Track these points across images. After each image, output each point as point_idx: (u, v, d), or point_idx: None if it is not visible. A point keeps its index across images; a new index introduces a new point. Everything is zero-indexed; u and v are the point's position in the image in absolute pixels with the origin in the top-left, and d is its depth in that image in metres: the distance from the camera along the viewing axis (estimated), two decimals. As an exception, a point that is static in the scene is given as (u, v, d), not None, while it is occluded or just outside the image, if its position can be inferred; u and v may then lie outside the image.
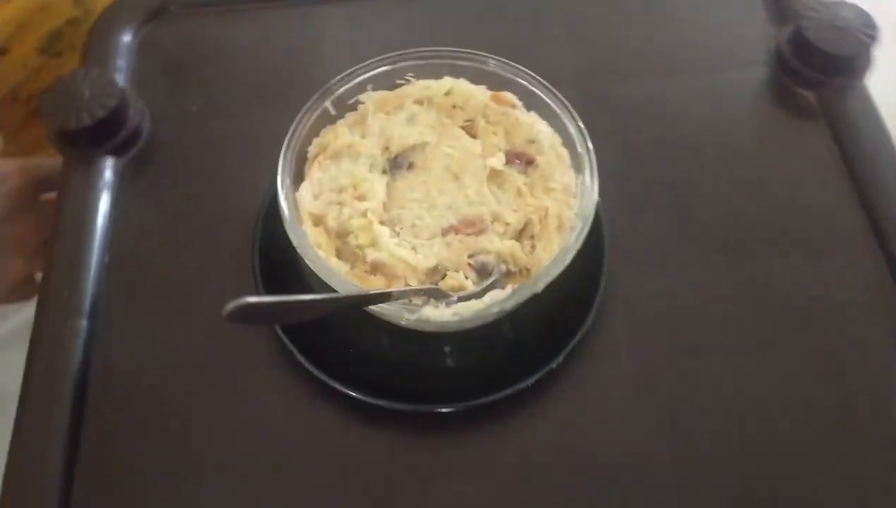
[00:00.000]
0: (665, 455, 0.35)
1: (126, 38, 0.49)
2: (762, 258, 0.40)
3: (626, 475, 0.35)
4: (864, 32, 0.44)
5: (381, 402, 0.34)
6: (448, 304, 0.31)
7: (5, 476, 0.35)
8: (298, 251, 0.32)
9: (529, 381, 0.35)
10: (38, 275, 0.47)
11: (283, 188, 0.34)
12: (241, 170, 0.44)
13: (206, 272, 0.41)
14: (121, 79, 0.47)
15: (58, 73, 0.55)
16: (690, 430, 0.36)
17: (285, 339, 0.36)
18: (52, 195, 0.46)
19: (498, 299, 0.31)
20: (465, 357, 0.37)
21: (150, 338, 0.39)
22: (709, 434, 0.36)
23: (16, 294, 0.48)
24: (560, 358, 0.35)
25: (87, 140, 0.43)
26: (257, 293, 0.37)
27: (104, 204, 0.43)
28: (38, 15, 0.52)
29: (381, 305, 0.31)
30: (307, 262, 0.32)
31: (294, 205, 0.34)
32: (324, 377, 0.35)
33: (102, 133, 0.43)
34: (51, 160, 0.47)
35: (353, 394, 0.35)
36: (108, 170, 0.44)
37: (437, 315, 0.31)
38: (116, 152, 0.44)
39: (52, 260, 0.41)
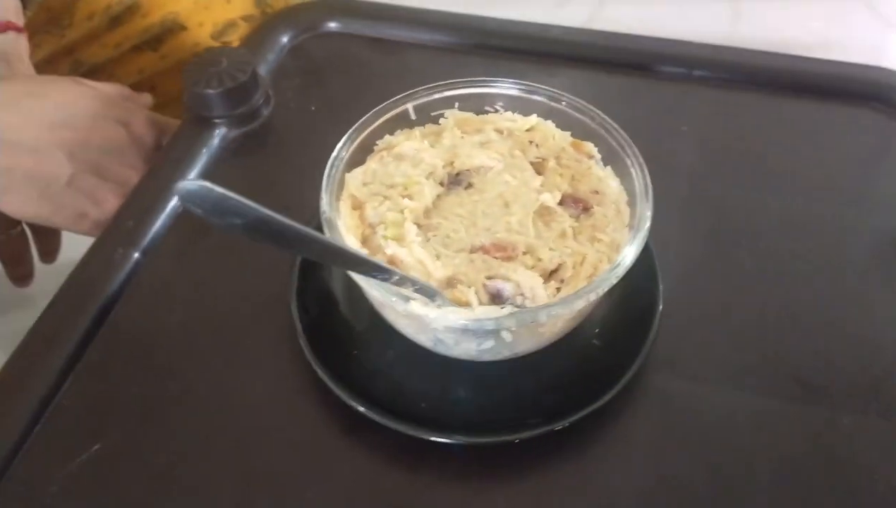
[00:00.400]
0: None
1: (284, 38, 0.54)
2: (833, 405, 0.34)
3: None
4: None
5: (378, 418, 0.32)
6: (439, 306, 0.29)
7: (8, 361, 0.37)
8: (321, 213, 0.32)
9: (526, 434, 0.31)
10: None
11: (334, 162, 0.34)
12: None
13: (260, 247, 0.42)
14: (264, 69, 0.51)
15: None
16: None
17: (310, 357, 0.35)
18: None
19: (491, 314, 0.29)
20: (479, 398, 0.35)
21: (189, 286, 0.40)
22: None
23: (96, 231, 0.51)
24: (566, 423, 0.32)
25: (210, 103, 0.47)
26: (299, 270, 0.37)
27: (201, 163, 0.46)
28: (221, 4, 0.58)
29: (374, 289, 0.29)
30: (322, 222, 0.31)
31: (341, 181, 0.34)
32: (340, 391, 0.33)
33: (226, 102, 0.47)
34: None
35: (371, 415, 0.33)
36: (218, 136, 0.47)
37: (424, 311, 0.29)
38: (232, 124, 0.47)
39: (135, 190, 0.44)
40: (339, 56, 0.53)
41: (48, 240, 0.57)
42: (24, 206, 0.46)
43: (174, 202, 0.43)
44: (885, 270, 0.40)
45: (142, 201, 0.43)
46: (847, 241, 0.41)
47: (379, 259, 0.31)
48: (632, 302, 0.36)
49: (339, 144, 0.35)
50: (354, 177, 0.35)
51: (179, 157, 0.46)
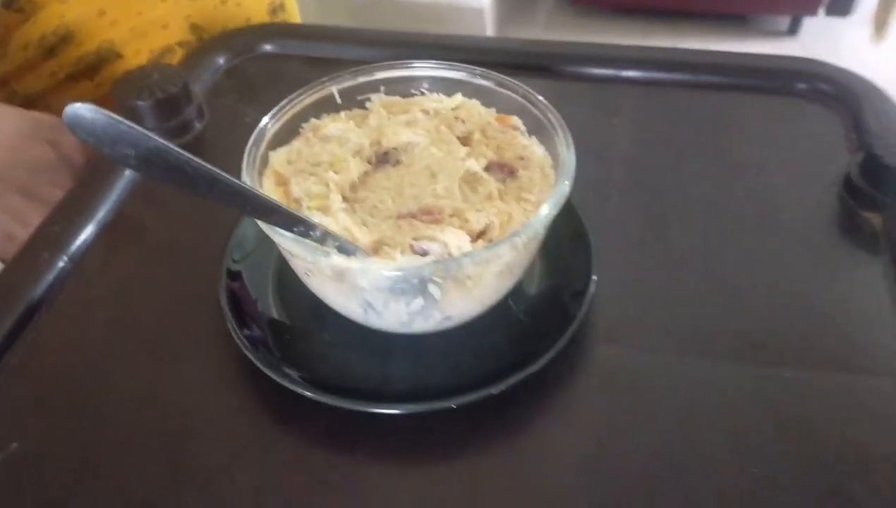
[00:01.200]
0: None
1: (220, 60, 0.54)
2: (777, 362, 0.34)
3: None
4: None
5: (318, 396, 0.31)
6: (358, 260, 0.29)
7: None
8: (243, 180, 0.31)
9: (473, 396, 0.31)
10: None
11: (256, 139, 0.34)
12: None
13: (196, 248, 0.41)
14: (199, 87, 0.52)
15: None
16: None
17: (233, 325, 0.34)
18: None
19: (413, 264, 0.28)
20: (432, 366, 0.34)
21: (117, 292, 0.39)
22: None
23: None
24: (504, 386, 0.31)
25: (140, 115, 0.47)
26: (227, 274, 0.37)
27: (132, 173, 0.45)
28: (157, 30, 0.58)
29: (293, 244, 0.29)
30: (244, 183, 0.31)
31: (264, 158, 0.34)
32: (284, 381, 0.32)
33: (155, 113, 0.47)
34: None
35: (305, 393, 0.32)
36: (151, 149, 0.47)
37: (347, 263, 0.28)
38: (164, 136, 0.47)
39: (64, 197, 0.43)
40: (273, 75, 0.54)
41: None
42: None
43: (104, 210, 0.43)
44: (802, 240, 0.40)
45: (70, 207, 0.42)
46: (768, 217, 0.42)
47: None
48: (566, 277, 0.36)
49: (262, 122, 0.35)
50: (278, 155, 0.35)
51: (109, 166, 0.45)
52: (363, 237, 0.31)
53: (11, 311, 0.37)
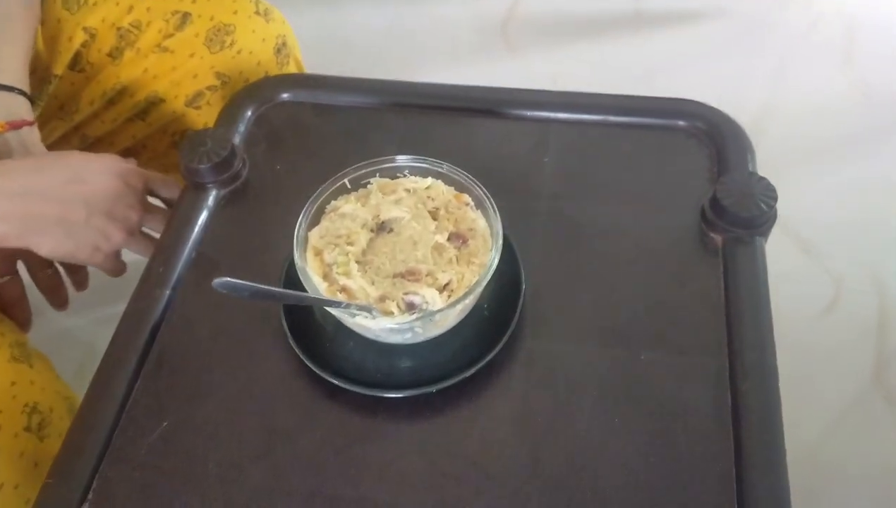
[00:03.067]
0: (515, 466, 0.49)
1: (248, 112, 0.71)
2: (636, 347, 0.54)
3: (482, 473, 0.49)
4: (765, 199, 0.58)
5: (337, 381, 0.52)
6: (374, 318, 0.48)
7: (94, 378, 0.55)
8: (296, 264, 0.50)
9: (432, 388, 0.51)
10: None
11: (300, 227, 0.53)
12: (293, 213, 0.63)
13: (254, 275, 0.60)
14: (237, 138, 0.69)
15: (195, 120, 0.78)
16: (547, 458, 0.50)
17: (287, 330, 0.54)
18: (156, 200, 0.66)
19: (404, 319, 0.48)
20: (420, 363, 0.54)
21: (205, 311, 0.59)
22: (557, 461, 0.50)
23: (108, 262, 0.64)
24: (457, 380, 0.51)
25: (203, 174, 0.64)
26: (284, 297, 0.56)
27: (203, 218, 0.64)
28: (190, 79, 0.75)
29: (332, 309, 0.48)
30: (300, 275, 0.50)
31: (305, 239, 0.53)
32: (311, 363, 0.52)
33: (213, 172, 0.64)
34: (165, 177, 0.68)
35: (339, 383, 0.52)
36: (211, 197, 0.65)
37: (366, 322, 0.48)
38: (219, 186, 0.65)
39: (158, 247, 0.62)
40: (292, 122, 0.71)
41: (77, 272, 0.73)
42: (54, 246, 0.60)
43: (188, 250, 0.62)
44: (669, 253, 0.59)
45: (166, 251, 0.61)
46: (655, 236, 0.61)
47: (335, 293, 0.50)
48: (506, 288, 0.56)
49: (301, 214, 0.53)
50: (314, 234, 0.54)
51: (187, 216, 0.63)
52: (373, 293, 0.51)
53: (142, 331, 0.57)
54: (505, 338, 0.53)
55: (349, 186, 0.56)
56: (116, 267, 0.65)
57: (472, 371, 0.52)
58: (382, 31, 1.72)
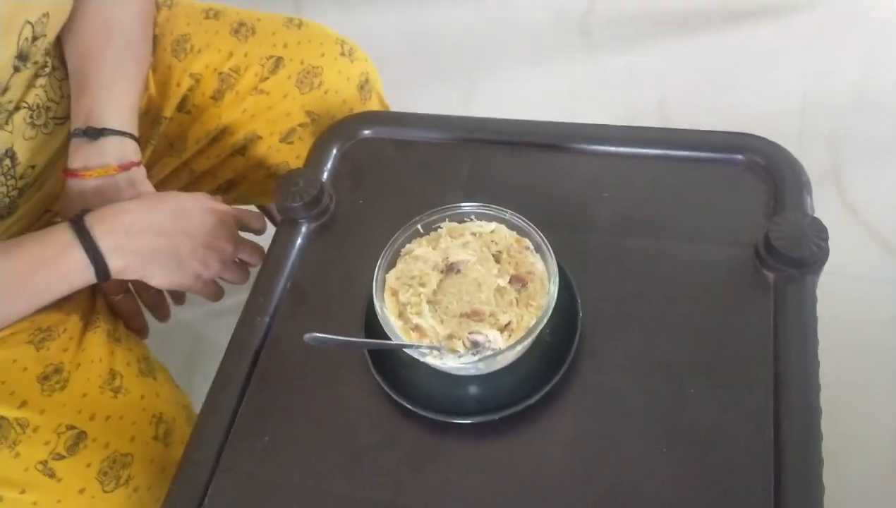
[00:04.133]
0: (566, 489, 0.55)
1: (334, 148, 0.78)
2: (683, 380, 0.59)
3: (535, 494, 0.56)
4: (817, 240, 0.61)
5: (415, 409, 0.59)
6: (440, 358, 0.55)
7: (205, 400, 0.64)
8: (375, 306, 0.57)
9: (495, 416, 0.57)
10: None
11: (378, 271, 0.60)
12: (376, 245, 0.70)
13: (342, 301, 0.68)
14: (324, 175, 0.77)
15: (289, 154, 0.86)
16: (595, 483, 0.56)
17: (373, 369, 0.62)
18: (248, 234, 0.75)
19: (469, 360, 0.54)
20: (485, 392, 0.60)
21: (300, 334, 0.66)
22: (604, 486, 0.55)
23: (207, 288, 0.72)
24: (521, 407, 0.57)
25: (296, 211, 0.72)
26: (362, 325, 0.63)
27: (296, 250, 0.72)
28: (283, 118, 0.83)
29: (410, 352, 0.55)
30: (378, 316, 0.57)
31: (383, 281, 0.60)
32: (392, 391, 0.60)
33: (305, 208, 0.72)
34: (253, 212, 0.77)
35: (413, 409, 0.59)
36: (303, 230, 0.73)
37: (434, 361, 0.55)
38: (311, 220, 0.73)
39: (259, 277, 0.71)
40: (372, 158, 0.78)
41: (152, 297, 0.79)
42: (165, 276, 0.67)
43: (283, 281, 0.70)
44: (732, 290, 0.63)
45: (265, 283, 0.70)
46: (708, 271, 0.64)
47: (409, 331, 0.57)
48: (564, 321, 0.61)
49: (380, 258, 0.60)
50: (391, 276, 0.60)
51: (283, 249, 0.72)
52: (441, 331, 0.57)
53: (246, 356, 0.66)
54: (562, 370, 0.59)
55: (422, 231, 0.62)
56: (215, 291, 0.75)
57: (534, 400, 0.58)
58: (463, 27, 1.76)
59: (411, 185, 0.75)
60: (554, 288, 0.56)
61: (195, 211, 0.70)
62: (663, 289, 0.64)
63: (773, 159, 0.69)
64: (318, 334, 0.50)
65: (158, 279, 0.68)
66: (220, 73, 0.79)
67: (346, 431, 0.61)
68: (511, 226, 0.61)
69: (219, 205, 0.72)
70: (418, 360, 0.60)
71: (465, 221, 0.63)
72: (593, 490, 0.55)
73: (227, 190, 0.91)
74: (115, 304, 0.74)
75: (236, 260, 0.74)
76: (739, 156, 0.70)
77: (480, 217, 0.62)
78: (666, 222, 0.68)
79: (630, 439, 0.57)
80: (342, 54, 0.82)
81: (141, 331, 0.77)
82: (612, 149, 0.73)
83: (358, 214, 0.74)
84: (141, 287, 0.75)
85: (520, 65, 1.66)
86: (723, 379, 0.59)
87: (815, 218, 0.62)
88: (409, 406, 0.59)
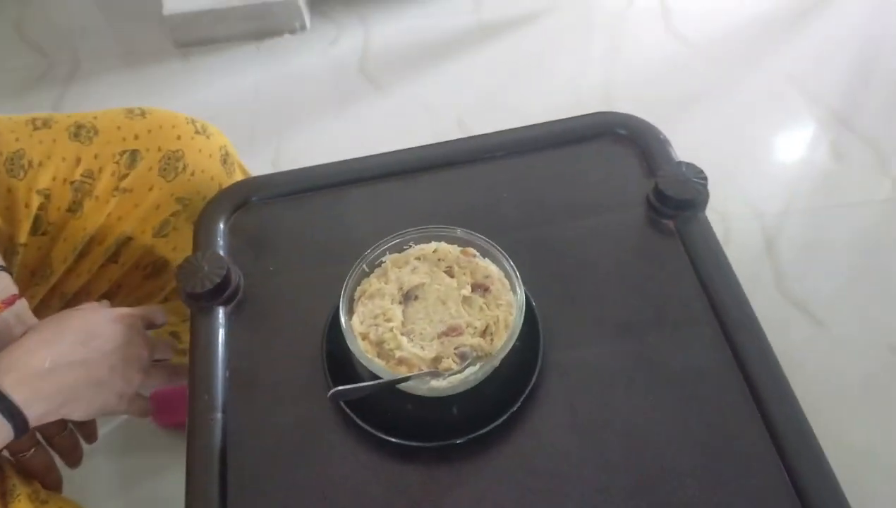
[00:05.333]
0: (586, 463, 0.58)
1: (220, 225, 0.74)
2: (640, 333, 0.64)
3: (562, 482, 0.57)
4: (698, 181, 0.69)
5: (412, 442, 0.57)
6: (444, 378, 0.55)
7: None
8: (356, 356, 0.56)
9: (499, 421, 0.58)
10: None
11: (343, 317, 0.58)
12: (305, 305, 0.68)
13: (290, 372, 0.64)
14: (222, 254, 0.72)
15: (165, 248, 0.80)
16: (607, 450, 0.58)
17: (349, 411, 0.59)
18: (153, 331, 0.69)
19: (472, 371, 0.55)
20: (464, 409, 0.60)
21: (259, 420, 0.62)
22: (617, 447, 0.58)
23: (133, 405, 0.66)
24: (519, 404, 0.59)
25: (207, 297, 0.67)
26: (327, 385, 0.61)
27: (220, 337, 0.67)
28: (153, 211, 0.77)
29: (408, 383, 0.54)
30: (363, 362, 0.55)
31: (350, 328, 0.58)
32: (377, 432, 0.58)
33: (216, 292, 0.68)
34: (153, 307, 0.71)
35: (393, 439, 0.58)
36: (220, 315, 0.68)
37: (439, 384, 0.54)
38: (225, 303, 0.69)
39: (192, 376, 0.65)
40: (267, 222, 0.75)
41: (86, 427, 0.73)
42: (87, 407, 0.61)
43: (222, 370, 0.65)
44: (628, 240, 0.70)
45: (203, 377, 0.64)
46: (617, 235, 0.71)
47: (395, 367, 0.56)
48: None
49: (340, 309, 0.59)
50: (355, 322, 0.59)
51: (206, 339, 0.66)
52: (427, 355, 0.57)
53: (212, 461, 0.60)
54: (539, 360, 0.61)
55: (367, 270, 0.62)
56: (142, 407, 0.67)
57: (526, 392, 0.59)
58: (251, 95, 1.74)
59: (316, 239, 0.74)
60: (519, 278, 0.59)
61: (103, 324, 0.63)
62: (586, 262, 0.69)
63: (633, 127, 0.77)
64: (341, 387, 0.48)
65: (82, 411, 0.61)
66: (71, 183, 0.72)
67: (348, 492, 0.58)
68: (452, 240, 0.63)
69: (122, 310, 0.66)
70: (398, 393, 0.59)
71: (405, 249, 0.63)
72: (603, 459, 0.58)
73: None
74: (25, 464, 0.63)
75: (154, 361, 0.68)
76: (606, 133, 0.78)
77: (419, 240, 0.63)
78: (565, 206, 0.73)
79: (619, 401, 0.61)
80: (197, 133, 0.78)
81: (58, 486, 0.67)
82: (495, 155, 0.78)
83: (272, 283, 0.71)
84: (51, 431, 0.65)
85: (317, 119, 1.68)
86: (671, 322, 0.65)
87: (690, 163, 0.71)
88: (411, 443, 0.58)
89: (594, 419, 0.60)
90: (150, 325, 0.70)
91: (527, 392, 0.59)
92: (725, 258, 0.67)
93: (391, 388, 0.56)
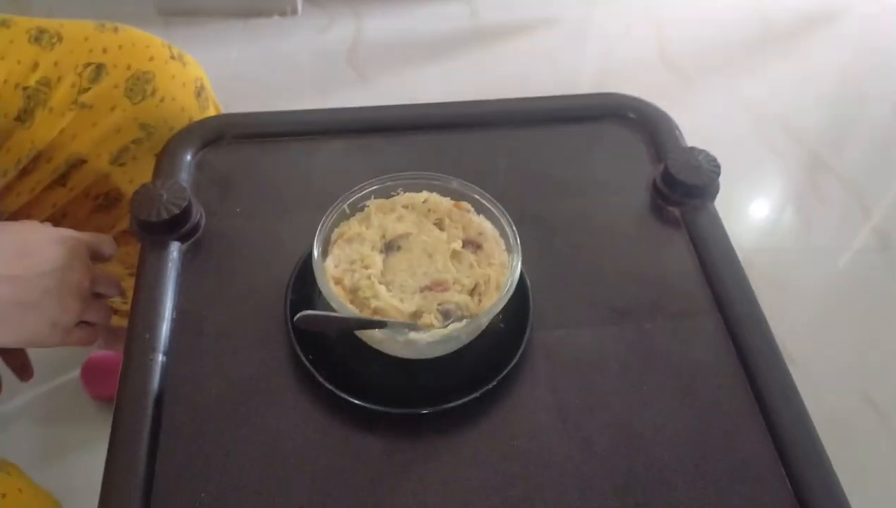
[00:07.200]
0: (568, 451, 0.51)
1: (188, 157, 0.67)
2: (637, 320, 0.58)
3: (540, 469, 0.51)
4: (711, 168, 0.65)
5: (376, 407, 0.50)
6: (425, 332, 0.48)
7: (106, 465, 0.50)
8: (327, 298, 0.49)
9: (477, 394, 0.51)
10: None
11: (316, 253, 0.51)
12: (270, 253, 0.61)
13: (246, 321, 0.57)
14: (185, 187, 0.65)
15: (121, 178, 0.73)
16: (590, 434, 0.52)
17: (308, 365, 0.52)
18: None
19: (456, 328, 0.48)
20: (437, 378, 0.54)
21: (206, 368, 0.55)
22: (604, 437, 0.52)
23: (71, 337, 0.59)
24: (496, 381, 0.52)
25: (162, 229, 0.60)
26: (288, 340, 0.54)
27: (171, 274, 0.59)
28: (113, 134, 0.69)
29: (381, 331, 0.48)
30: (334, 306, 0.48)
31: (322, 269, 0.51)
32: (340, 392, 0.51)
33: (173, 225, 0.60)
34: (102, 235, 0.63)
35: (355, 400, 0.51)
36: (174, 251, 0.60)
37: (418, 338, 0.48)
38: (181, 239, 0.61)
39: (135, 313, 0.57)
40: (237, 162, 0.68)
41: (16, 357, 0.65)
42: (15, 334, 0.55)
43: (168, 310, 0.57)
44: (632, 227, 0.64)
45: (146, 315, 0.56)
46: (609, 214, 0.65)
47: (370, 312, 0.49)
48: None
49: (314, 246, 0.52)
50: (329, 264, 0.52)
51: (155, 274, 0.59)
52: (406, 309, 0.50)
53: (146, 405, 0.52)
54: (526, 336, 0.55)
55: (348, 211, 0.55)
56: (83, 337, 0.59)
57: (507, 369, 0.53)
58: (230, 73, 1.67)
59: (291, 187, 0.67)
60: (516, 236, 0.53)
61: (42, 243, 0.55)
62: (585, 244, 0.64)
63: (643, 112, 0.73)
64: (310, 311, 0.41)
65: (7, 336, 0.53)
66: (24, 88, 0.64)
67: (296, 455, 0.51)
68: (445, 192, 0.57)
69: (67, 232, 0.58)
70: (367, 354, 0.52)
71: (393, 195, 0.57)
72: (591, 446, 0.52)
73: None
74: None
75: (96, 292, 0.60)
76: (614, 114, 0.73)
77: (409, 187, 0.57)
78: (565, 183, 0.68)
79: (609, 388, 0.55)
80: (172, 58, 0.71)
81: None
82: (499, 123, 0.72)
83: (236, 225, 0.64)
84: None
85: (297, 105, 1.59)
86: (670, 312, 0.59)
87: (702, 150, 0.66)
88: (368, 405, 0.51)
89: (579, 405, 0.54)
90: (96, 255, 0.62)
91: (508, 368, 0.53)
92: (734, 251, 0.62)
93: (362, 343, 0.49)
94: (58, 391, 1.16)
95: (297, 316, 0.42)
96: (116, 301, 0.72)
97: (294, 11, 1.84)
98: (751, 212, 1.47)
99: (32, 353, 0.66)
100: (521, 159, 0.70)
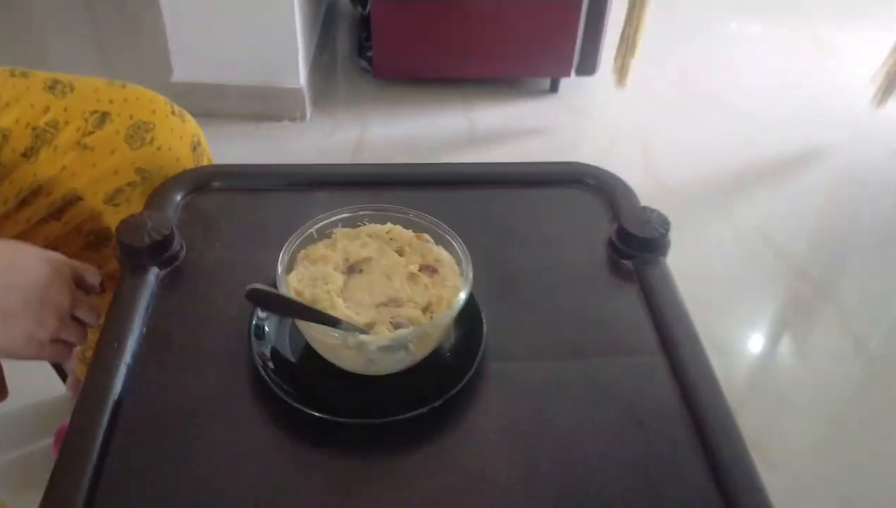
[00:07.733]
0: (514, 471, 0.53)
1: (177, 198, 0.72)
2: (589, 356, 0.61)
3: (485, 486, 0.52)
4: (661, 227, 0.69)
5: (329, 417, 0.52)
6: (374, 335, 0.51)
7: (60, 452, 0.51)
8: (284, 293, 0.52)
9: (425, 409, 0.53)
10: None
11: (280, 271, 0.55)
12: (243, 283, 0.64)
13: (211, 341, 0.60)
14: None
15: (113, 218, 0.77)
16: (537, 458, 0.54)
17: (265, 376, 0.55)
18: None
19: (404, 333, 0.51)
20: (391, 394, 0.56)
21: (168, 379, 0.57)
22: (549, 461, 0.54)
23: (46, 351, 0.60)
24: (444, 399, 0.54)
25: (144, 254, 0.64)
26: (250, 358, 0.57)
27: (146, 295, 0.63)
28: (110, 175, 0.75)
29: (333, 332, 0.51)
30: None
31: (284, 278, 0.55)
32: (295, 403, 0.53)
33: (154, 251, 0.64)
34: (87, 265, 0.66)
35: (309, 411, 0.53)
36: (153, 276, 0.64)
37: (367, 340, 0.51)
38: (161, 265, 0.65)
39: (107, 326, 0.60)
40: (221, 206, 0.73)
41: None
42: None
43: (138, 326, 0.60)
44: (587, 279, 0.68)
45: (118, 327, 0.59)
46: (577, 269, 0.69)
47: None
48: (467, 321, 0.60)
49: (280, 259, 0.56)
50: (292, 278, 0.56)
51: (132, 295, 0.62)
52: (361, 320, 0.53)
53: (105, 404, 0.54)
54: (477, 360, 0.57)
55: (315, 236, 0.59)
56: (58, 352, 0.62)
57: (457, 389, 0.55)
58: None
59: (270, 232, 0.71)
60: (468, 262, 0.57)
61: (29, 259, 0.59)
62: (544, 290, 0.67)
63: (602, 178, 0.78)
64: (261, 286, 0.44)
65: None
66: (34, 128, 0.71)
67: (250, 468, 0.52)
68: (408, 225, 0.61)
69: (53, 254, 0.62)
70: (323, 370, 0.55)
71: (359, 225, 0.61)
72: (536, 469, 0.53)
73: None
74: None
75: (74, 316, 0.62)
76: (576, 181, 0.79)
77: (374, 219, 0.61)
78: (529, 238, 0.73)
79: (558, 417, 0.57)
80: (173, 113, 0.78)
81: None
82: (469, 185, 0.78)
83: (213, 257, 0.68)
84: None
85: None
86: (620, 350, 0.62)
87: (656, 210, 0.71)
88: (324, 416, 0.53)
89: (528, 430, 0.56)
90: (80, 282, 0.65)
91: (456, 389, 0.55)
92: (680, 297, 0.66)
93: (319, 359, 0.52)
94: (30, 458, 1.16)
95: (248, 287, 0.45)
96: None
97: (303, 117, 1.96)
98: (734, 319, 1.51)
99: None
100: (492, 216, 0.75)
